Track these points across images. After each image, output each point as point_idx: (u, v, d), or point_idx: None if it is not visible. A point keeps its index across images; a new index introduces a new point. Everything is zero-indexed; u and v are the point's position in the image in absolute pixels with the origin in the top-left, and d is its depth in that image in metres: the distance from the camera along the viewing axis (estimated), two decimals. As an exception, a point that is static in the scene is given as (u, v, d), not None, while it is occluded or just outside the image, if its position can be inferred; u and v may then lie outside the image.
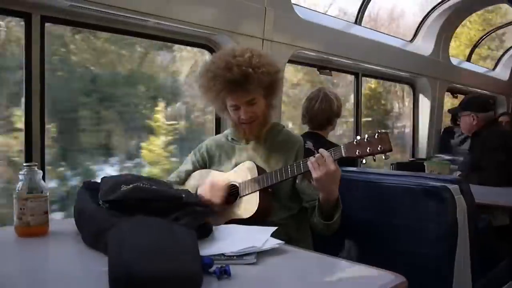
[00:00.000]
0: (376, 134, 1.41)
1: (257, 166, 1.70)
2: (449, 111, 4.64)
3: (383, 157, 1.43)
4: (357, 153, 1.43)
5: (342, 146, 1.48)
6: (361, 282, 1.07)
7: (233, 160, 1.83)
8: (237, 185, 1.72)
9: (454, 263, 1.51)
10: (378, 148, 1.39)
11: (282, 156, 1.78)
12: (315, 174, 1.48)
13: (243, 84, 1.67)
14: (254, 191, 1.65)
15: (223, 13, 2.55)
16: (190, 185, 1.89)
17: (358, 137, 1.44)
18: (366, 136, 1.43)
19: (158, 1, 2.25)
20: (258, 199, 1.63)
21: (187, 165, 1.97)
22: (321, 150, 1.51)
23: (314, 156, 1.52)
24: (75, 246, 1.32)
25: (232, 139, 1.91)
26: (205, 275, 0.99)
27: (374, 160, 1.45)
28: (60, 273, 1.08)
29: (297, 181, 1.74)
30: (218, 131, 2.81)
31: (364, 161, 1.46)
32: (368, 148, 1.41)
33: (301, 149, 1.80)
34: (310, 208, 1.71)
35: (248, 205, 1.65)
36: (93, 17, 2.19)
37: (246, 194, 1.67)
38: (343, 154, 1.46)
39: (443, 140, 4.80)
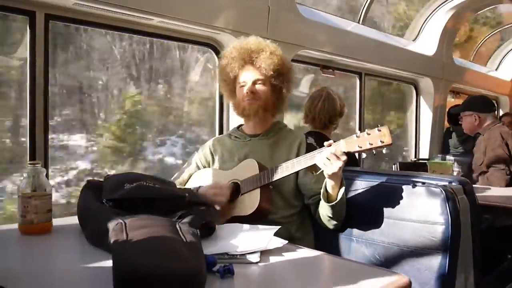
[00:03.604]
0: (377, 128, 1.43)
1: (259, 163, 1.71)
2: (449, 110, 4.65)
3: (383, 151, 1.44)
4: (358, 147, 1.45)
5: (342, 141, 1.49)
6: (364, 282, 1.07)
7: (236, 157, 1.84)
8: (239, 182, 1.73)
9: (457, 263, 1.50)
10: (379, 142, 1.41)
11: (285, 151, 1.80)
12: (329, 171, 1.49)
13: (256, 57, 1.80)
14: (255, 188, 1.66)
15: (227, 12, 2.56)
16: (193, 184, 1.89)
17: (359, 132, 1.47)
18: (367, 130, 1.44)
19: (162, 0, 2.26)
20: (259, 196, 1.63)
21: (190, 164, 1.98)
22: (327, 144, 1.51)
23: (319, 152, 1.53)
24: (78, 244, 1.33)
25: (235, 136, 1.92)
26: (208, 274, 1.00)
27: (374, 154, 1.47)
28: (63, 271, 1.09)
29: (299, 176, 1.75)
30: (221, 131, 2.82)
31: (364, 155, 1.48)
32: (369, 142, 1.42)
33: (303, 144, 1.81)
34: (313, 204, 1.72)
35: (249, 202, 1.65)
36: (97, 15, 2.19)
37: (247, 191, 1.68)
38: (344, 149, 1.47)
39: (445, 140, 4.80)
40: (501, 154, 2.94)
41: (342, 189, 1.58)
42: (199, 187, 1.77)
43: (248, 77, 1.82)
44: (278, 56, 1.82)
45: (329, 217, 1.63)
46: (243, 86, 1.83)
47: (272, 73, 1.80)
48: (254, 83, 1.81)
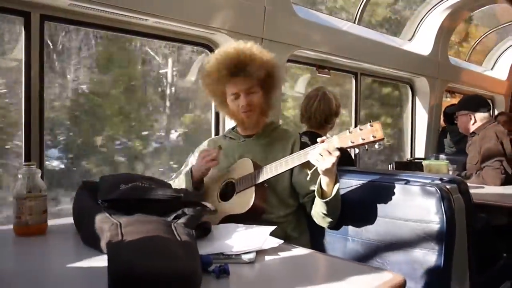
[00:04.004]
0: (369, 124, 1.43)
1: (254, 162, 1.71)
2: (445, 110, 4.66)
3: (376, 146, 1.45)
4: (350, 143, 1.45)
5: (335, 137, 1.49)
6: (359, 281, 1.08)
7: (231, 158, 1.85)
8: (234, 181, 1.73)
9: (452, 262, 1.51)
10: (371, 137, 1.41)
11: (279, 151, 1.80)
12: (322, 167, 1.49)
13: (243, 68, 1.75)
14: (250, 186, 1.66)
15: (223, 12, 2.56)
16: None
17: (351, 127, 1.47)
18: (359, 126, 1.45)
19: (158, 0, 2.25)
20: (253, 194, 1.64)
21: (186, 166, 1.98)
22: (320, 140, 1.51)
23: (313, 148, 1.53)
24: (74, 245, 1.33)
25: (230, 137, 1.93)
26: (204, 274, 1.00)
27: (367, 149, 1.47)
28: (59, 272, 1.09)
29: (293, 174, 1.76)
30: (217, 132, 2.82)
31: (357, 150, 1.49)
32: (361, 137, 1.43)
33: (297, 142, 1.82)
34: (309, 202, 1.72)
35: (244, 200, 1.66)
36: (93, 16, 2.19)
37: (242, 190, 1.68)
38: (337, 145, 1.47)
39: (441, 139, 4.82)
40: (496, 153, 2.95)
41: (337, 185, 1.59)
42: (191, 167, 1.78)
43: (239, 88, 1.79)
44: (264, 58, 1.79)
45: (324, 214, 1.64)
46: (235, 98, 1.81)
47: (262, 77, 1.79)
48: (247, 93, 1.79)
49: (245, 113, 1.81)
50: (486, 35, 6.14)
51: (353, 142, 1.44)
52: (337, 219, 1.67)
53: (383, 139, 1.42)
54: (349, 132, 1.46)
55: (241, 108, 1.80)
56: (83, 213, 1.36)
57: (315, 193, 1.62)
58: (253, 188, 1.65)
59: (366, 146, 1.44)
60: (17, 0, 1.96)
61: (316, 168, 1.53)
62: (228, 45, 1.84)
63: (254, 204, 1.62)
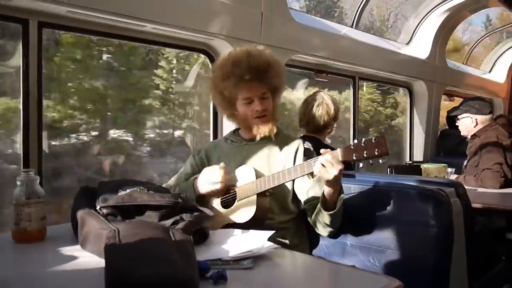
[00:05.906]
0: (373, 138, 1.40)
1: (256, 170, 1.70)
2: (448, 112, 4.67)
3: (380, 161, 1.43)
4: (354, 157, 1.42)
5: (339, 150, 1.47)
6: (357, 286, 1.08)
7: (232, 162, 1.83)
8: (235, 189, 1.72)
9: (451, 266, 1.51)
10: (375, 152, 1.38)
11: (282, 157, 1.79)
12: (325, 178, 1.48)
13: (264, 72, 1.74)
14: (252, 195, 1.65)
15: (221, 18, 2.57)
16: None
17: (355, 141, 1.43)
18: (363, 140, 1.41)
19: (156, 7, 2.26)
20: (255, 204, 1.62)
21: (186, 168, 1.97)
22: (323, 151, 1.49)
23: (316, 160, 1.50)
24: (73, 251, 1.33)
25: (231, 140, 1.92)
26: (201, 280, 1.00)
27: (371, 164, 1.45)
28: (58, 278, 1.09)
29: (295, 180, 1.73)
30: (215, 135, 2.82)
31: (361, 164, 1.46)
32: (365, 152, 1.40)
33: (300, 149, 1.80)
34: (309, 209, 1.70)
35: (246, 209, 1.64)
36: (91, 23, 2.19)
37: (244, 198, 1.67)
38: (340, 158, 1.45)
39: (439, 143, 4.82)
40: (497, 156, 2.94)
41: (341, 197, 1.56)
42: (195, 181, 1.75)
43: (253, 93, 1.77)
44: (277, 64, 1.79)
45: (326, 224, 1.62)
46: (248, 102, 1.79)
47: (273, 88, 1.80)
48: (261, 98, 1.77)
49: (260, 119, 1.78)
50: (483, 39, 6.16)
51: (356, 157, 1.42)
52: (337, 230, 1.65)
53: (388, 154, 1.38)
54: (353, 146, 1.43)
55: (255, 113, 1.78)
56: (81, 219, 1.36)
57: (320, 203, 1.59)
58: (255, 197, 1.63)
59: (370, 160, 1.42)
60: (15, 8, 1.96)
61: (319, 176, 1.52)
62: (244, 48, 1.82)
63: (256, 214, 1.61)
